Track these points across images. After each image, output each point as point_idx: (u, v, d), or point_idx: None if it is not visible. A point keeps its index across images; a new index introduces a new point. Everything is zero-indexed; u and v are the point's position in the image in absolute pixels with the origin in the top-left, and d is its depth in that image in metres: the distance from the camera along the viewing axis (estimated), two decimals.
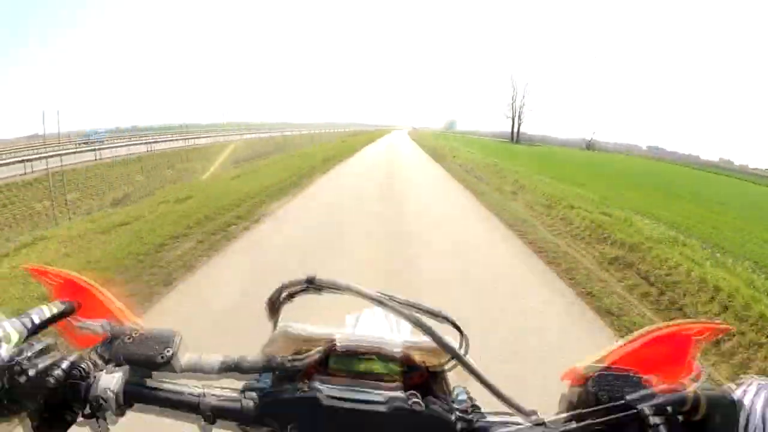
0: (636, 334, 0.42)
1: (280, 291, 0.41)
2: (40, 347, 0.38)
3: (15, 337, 0.39)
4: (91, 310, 0.47)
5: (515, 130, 67.08)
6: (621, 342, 0.41)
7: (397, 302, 0.38)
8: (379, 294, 0.38)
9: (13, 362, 0.36)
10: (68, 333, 0.46)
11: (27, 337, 0.41)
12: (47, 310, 0.44)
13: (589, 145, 69.74)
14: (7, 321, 0.40)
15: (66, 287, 0.50)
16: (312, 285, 0.39)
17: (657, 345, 0.40)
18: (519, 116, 66.70)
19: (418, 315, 0.38)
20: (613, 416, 0.31)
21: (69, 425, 0.38)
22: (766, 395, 0.32)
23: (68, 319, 0.46)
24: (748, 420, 0.29)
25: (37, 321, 0.42)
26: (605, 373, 0.35)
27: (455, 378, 0.42)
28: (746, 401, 0.32)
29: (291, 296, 0.41)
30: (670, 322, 0.43)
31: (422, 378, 0.40)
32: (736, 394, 0.32)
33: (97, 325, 0.44)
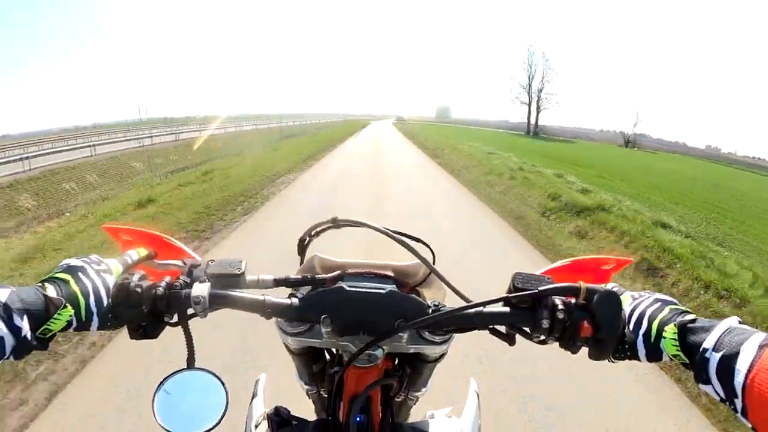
0: (567, 260, 0.56)
1: (310, 231, 0.58)
2: (140, 275, 0.53)
3: (118, 270, 0.55)
4: (164, 255, 0.63)
5: (533, 120, 53.12)
6: (554, 265, 0.55)
7: (392, 231, 0.54)
8: (381, 227, 0.54)
9: (125, 282, 0.51)
10: (150, 272, 0.62)
11: (124, 272, 0.57)
12: (136, 254, 0.60)
13: (629, 141, 52.67)
14: (111, 259, 0.56)
15: (137, 241, 0.65)
16: (335, 223, 0.56)
17: (578, 268, 0.54)
18: (537, 102, 52.33)
19: (405, 239, 0.54)
20: (526, 296, 0.45)
21: (160, 331, 0.54)
22: (631, 295, 0.45)
23: (150, 261, 0.62)
24: (611, 300, 0.43)
25: (130, 261, 0.58)
26: (525, 274, 0.48)
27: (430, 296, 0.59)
28: (614, 290, 0.46)
29: (318, 234, 0.58)
30: (593, 255, 0.58)
31: (408, 290, 0.57)
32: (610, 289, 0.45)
33: (176, 262, 0.60)
